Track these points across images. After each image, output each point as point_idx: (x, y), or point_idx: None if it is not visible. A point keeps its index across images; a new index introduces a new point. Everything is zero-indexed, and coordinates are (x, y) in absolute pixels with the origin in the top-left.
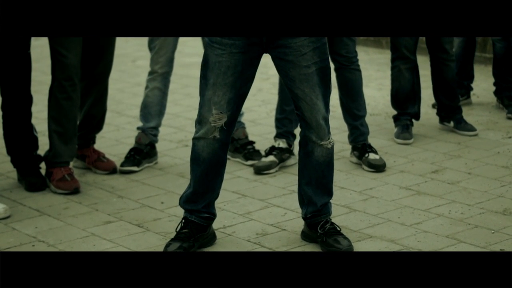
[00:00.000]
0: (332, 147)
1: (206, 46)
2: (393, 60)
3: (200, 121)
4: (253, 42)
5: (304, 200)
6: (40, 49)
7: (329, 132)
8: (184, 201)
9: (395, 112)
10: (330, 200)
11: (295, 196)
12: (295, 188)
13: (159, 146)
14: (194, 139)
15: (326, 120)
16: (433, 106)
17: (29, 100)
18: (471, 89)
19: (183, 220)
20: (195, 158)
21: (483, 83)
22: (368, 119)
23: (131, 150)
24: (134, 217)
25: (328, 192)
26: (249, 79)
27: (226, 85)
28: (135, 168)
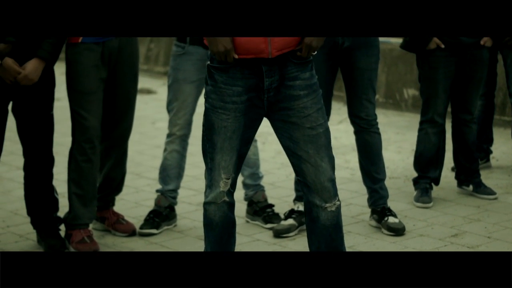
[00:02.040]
0: (338, 208)
1: (207, 110)
2: (421, 123)
3: (210, 186)
4: (254, 104)
5: None
6: (60, 110)
7: (336, 194)
8: None
9: (414, 176)
10: None
11: None
12: None
13: (178, 209)
14: (205, 204)
15: (333, 182)
16: (452, 169)
17: (50, 161)
18: (491, 152)
19: None
20: (208, 224)
21: (502, 146)
22: (387, 182)
23: (150, 212)
24: None
25: None
26: (249, 140)
27: (233, 149)
28: (154, 231)
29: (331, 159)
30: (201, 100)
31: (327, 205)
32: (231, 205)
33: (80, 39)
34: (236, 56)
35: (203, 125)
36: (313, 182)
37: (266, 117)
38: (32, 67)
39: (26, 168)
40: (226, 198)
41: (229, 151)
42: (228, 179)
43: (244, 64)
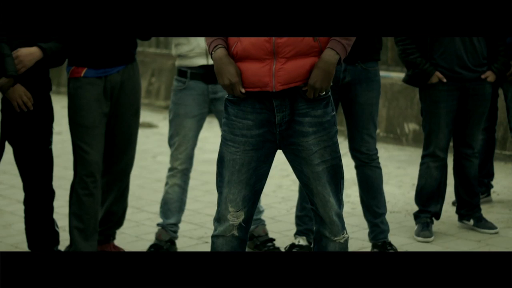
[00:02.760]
0: (346, 241)
1: (221, 143)
2: (423, 157)
3: (218, 219)
4: (267, 139)
5: None
6: (61, 144)
7: (343, 228)
8: None
9: (415, 210)
10: None
11: None
12: None
13: (179, 243)
14: (213, 237)
15: (340, 216)
16: (453, 203)
17: (50, 195)
18: (491, 186)
19: None
20: None
21: (503, 180)
22: (388, 216)
23: (151, 246)
24: None
25: None
26: (263, 175)
27: (241, 182)
28: None
29: (339, 194)
30: (202, 134)
31: (336, 238)
32: (242, 241)
33: (83, 73)
34: (243, 91)
35: (217, 159)
36: (323, 216)
37: (279, 149)
38: (27, 51)
39: (26, 202)
40: (236, 233)
41: (237, 184)
42: (237, 211)
43: (255, 98)
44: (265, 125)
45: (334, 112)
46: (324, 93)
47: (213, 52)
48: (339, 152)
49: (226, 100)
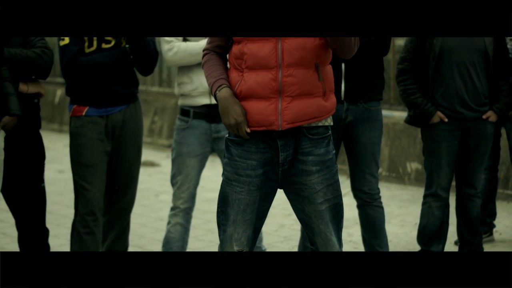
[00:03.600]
0: None
1: (222, 182)
2: (425, 196)
3: None
4: (269, 178)
5: None
6: (63, 182)
7: None
8: None
9: (417, 249)
10: None
11: None
12: None
13: None
14: None
15: None
16: (456, 243)
17: (44, 233)
18: (494, 226)
19: None
20: None
21: (505, 220)
22: None
23: None
24: None
25: None
26: (264, 214)
27: (246, 222)
28: None
29: (340, 233)
30: (204, 173)
31: None
32: None
33: (84, 112)
34: (248, 130)
35: (218, 197)
36: None
37: (280, 188)
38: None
39: (20, 241)
40: None
41: (242, 223)
42: (241, 250)
43: (259, 138)
44: (268, 164)
45: (334, 150)
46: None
47: (217, 92)
48: (340, 190)
49: (227, 140)
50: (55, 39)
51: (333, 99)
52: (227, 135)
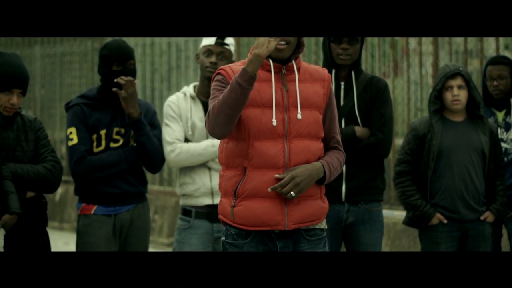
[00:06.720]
0: None
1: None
2: None
3: None
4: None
5: None
6: None
7: None
8: None
9: None
10: None
11: None
12: None
13: None
14: None
15: None
16: None
17: None
18: None
19: None
20: None
21: None
22: None
23: None
24: None
25: None
26: None
27: None
28: None
29: None
30: None
31: None
32: None
33: (93, 211)
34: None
35: None
36: None
37: None
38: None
39: None
40: None
41: None
42: None
43: (258, 240)
44: None
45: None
46: (294, 195)
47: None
48: None
49: (225, 243)
50: (63, 136)
51: (327, 201)
52: (224, 238)
